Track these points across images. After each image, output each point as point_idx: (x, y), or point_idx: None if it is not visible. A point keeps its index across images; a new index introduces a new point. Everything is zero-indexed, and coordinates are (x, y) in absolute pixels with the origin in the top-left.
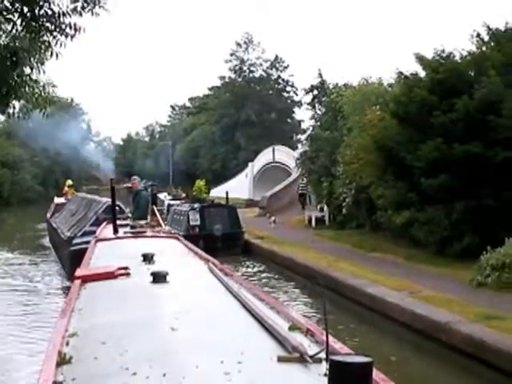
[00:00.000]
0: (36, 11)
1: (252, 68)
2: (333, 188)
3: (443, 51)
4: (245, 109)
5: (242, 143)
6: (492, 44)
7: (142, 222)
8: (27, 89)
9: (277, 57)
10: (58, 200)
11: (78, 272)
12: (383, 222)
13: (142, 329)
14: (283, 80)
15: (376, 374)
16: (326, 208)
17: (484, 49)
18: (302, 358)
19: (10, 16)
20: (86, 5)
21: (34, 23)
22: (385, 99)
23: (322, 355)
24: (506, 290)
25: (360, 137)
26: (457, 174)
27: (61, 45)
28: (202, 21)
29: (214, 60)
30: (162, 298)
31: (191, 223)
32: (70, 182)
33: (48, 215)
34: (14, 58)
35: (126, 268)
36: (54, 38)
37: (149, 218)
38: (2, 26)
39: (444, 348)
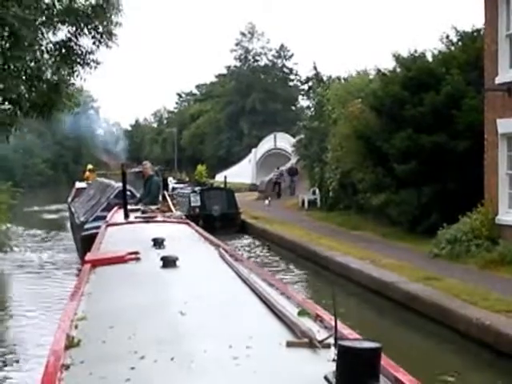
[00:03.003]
0: (70, 51)
1: (257, 57)
2: (323, 173)
3: (416, 51)
4: (250, 97)
5: (246, 130)
6: (459, 44)
7: (153, 207)
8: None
9: (282, 45)
10: (78, 184)
11: (88, 256)
12: (363, 203)
13: (150, 313)
14: (288, 68)
15: (384, 360)
16: (317, 191)
17: (452, 49)
18: (310, 343)
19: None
20: (102, 41)
21: (68, 60)
22: (365, 93)
23: (331, 340)
24: (456, 260)
25: (343, 127)
26: (425, 160)
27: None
28: (210, 9)
29: (221, 47)
30: (171, 283)
31: (192, 204)
32: (90, 166)
33: (69, 199)
34: (56, 85)
35: (136, 253)
36: (82, 68)
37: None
38: (46, 62)
39: (388, 301)
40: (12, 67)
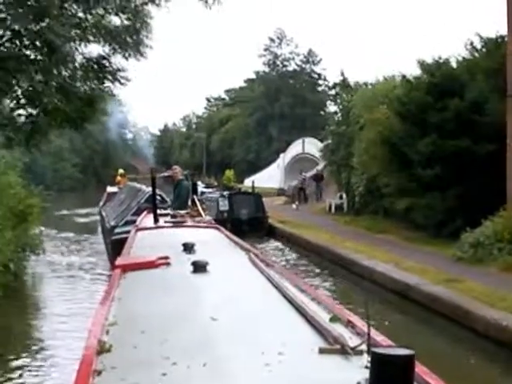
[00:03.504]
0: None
1: (285, 62)
2: (350, 178)
3: (440, 57)
4: (278, 102)
5: (275, 135)
6: (483, 51)
7: (183, 212)
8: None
9: (310, 51)
10: (110, 189)
11: (119, 261)
12: (389, 207)
13: (182, 318)
14: (316, 73)
15: (419, 367)
16: (344, 196)
17: (476, 55)
18: (343, 350)
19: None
20: (131, 54)
21: (100, 76)
22: (390, 99)
23: (364, 347)
24: (479, 263)
25: (369, 132)
26: (449, 165)
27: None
28: (240, 14)
29: (250, 52)
30: (202, 288)
31: (220, 208)
32: (121, 171)
33: (100, 204)
34: (89, 99)
35: (166, 257)
36: (113, 84)
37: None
38: (79, 77)
39: (411, 302)
40: (49, 82)
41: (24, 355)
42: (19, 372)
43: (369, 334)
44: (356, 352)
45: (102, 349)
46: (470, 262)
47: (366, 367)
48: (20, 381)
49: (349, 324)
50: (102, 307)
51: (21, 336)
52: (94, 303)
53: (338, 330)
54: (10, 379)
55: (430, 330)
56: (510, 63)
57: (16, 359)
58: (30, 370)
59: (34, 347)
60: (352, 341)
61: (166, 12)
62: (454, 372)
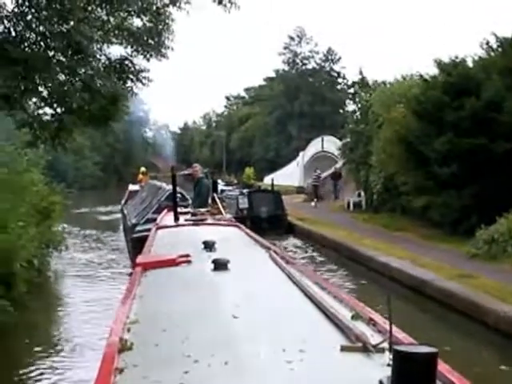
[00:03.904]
0: (124, 68)
1: (305, 61)
2: (368, 176)
3: (456, 57)
4: (298, 100)
5: (295, 133)
6: (499, 50)
7: (203, 210)
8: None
9: (330, 49)
10: (132, 187)
11: (140, 259)
12: (406, 205)
13: (203, 316)
14: (335, 72)
15: (441, 365)
16: (362, 194)
17: (492, 54)
18: (364, 348)
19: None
20: (152, 55)
21: (123, 76)
22: (407, 98)
23: (385, 345)
24: (493, 260)
25: (386, 131)
26: (465, 163)
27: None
28: (260, 12)
29: (270, 51)
30: (223, 286)
31: (240, 206)
32: (143, 169)
33: (122, 202)
34: (113, 99)
35: (187, 255)
36: (135, 84)
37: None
38: (103, 77)
39: (425, 298)
40: (75, 81)
41: (48, 350)
42: (44, 366)
43: (391, 332)
44: (378, 350)
45: (124, 347)
46: (484, 259)
47: (388, 365)
48: (45, 375)
49: (370, 322)
50: (124, 305)
51: (45, 332)
52: (114, 300)
53: (360, 327)
54: (33, 373)
55: (442, 324)
56: None
57: (41, 354)
58: (53, 366)
59: (58, 343)
60: (374, 338)
61: (185, 14)
62: (464, 362)
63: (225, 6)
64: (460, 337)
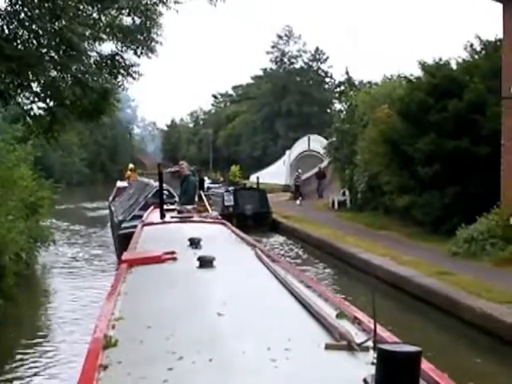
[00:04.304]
0: (115, 64)
1: (293, 60)
2: (353, 175)
3: (440, 59)
4: (285, 99)
5: (282, 132)
6: (482, 53)
7: (189, 207)
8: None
9: (317, 49)
10: (120, 184)
11: (125, 256)
12: (389, 204)
13: (188, 313)
14: (323, 71)
15: (425, 364)
16: (347, 192)
17: (476, 57)
18: (349, 346)
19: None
20: (143, 51)
21: (114, 71)
22: (392, 99)
23: (370, 343)
24: (473, 258)
25: (371, 131)
26: (448, 164)
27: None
28: (248, 10)
29: (257, 49)
30: (208, 283)
31: (225, 203)
32: (132, 165)
33: (110, 198)
34: (105, 93)
35: (172, 253)
36: (126, 79)
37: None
38: (94, 73)
39: (403, 294)
40: (67, 77)
41: (34, 342)
42: (29, 358)
43: (375, 331)
44: (362, 348)
45: (108, 343)
46: (464, 257)
47: (372, 363)
48: (30, 365)
49: (355, 320)
50: (109, 302)
51: (31, 324)
52: (100, 292)
53: (345, 326)
54: (20, 364)
55: (420, 318)
56: (505, 66)
57: (27, 347)
58: (38, 357)
59: (44, 335)
60: (358, 337)
61: (174, 13)
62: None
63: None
64: (437, 331)
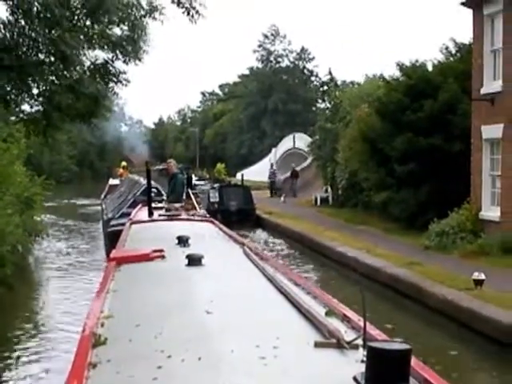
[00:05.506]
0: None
1: (279, 59)
2: (334, 172)
3: (417, 60)
4: (271, 97)
5: (268, 130)
6: (457, 55)
7: (177, 205)
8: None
9: (303, 48)
10: (112, 181)
11: (113, 254)
12: (368, 201)
13: (176, 312)
14: (308, 70)
15: (414, 361)
16: (329, 189)
17: (451, 59)
18: (338, 344)
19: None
20: (130, 59)
21: (105, 78)
22: (373, 98)
23: (359, 341)
24: (443, 251)
25: (352, 129)
26: (423, 162)
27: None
28: (234, 10)
29: (244, 48)
30: (197, 281)
31: (211, 200)
32: (124, 163)
33: (102, 195)
34: (96, 98)
35: (160, 251)
36: (116, 85)
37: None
38: (87, 79)
39: (376, 283)
40: (62, 83)
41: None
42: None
43: (364, 329)
44: (352, 346)
45: (97, 342)
46: (435, 250)
47: (362, 361)
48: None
49: (344, 318)
50: (97, 300)
51: (28, 313)
52: (89, 282)
53: (334, 324)
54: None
55: (388, 304)
56: (475, 70)
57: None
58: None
59: (39, 324)
60: (347, 335)
61: (159, 24)
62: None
63: (192, 16)
64: (405, 316)
